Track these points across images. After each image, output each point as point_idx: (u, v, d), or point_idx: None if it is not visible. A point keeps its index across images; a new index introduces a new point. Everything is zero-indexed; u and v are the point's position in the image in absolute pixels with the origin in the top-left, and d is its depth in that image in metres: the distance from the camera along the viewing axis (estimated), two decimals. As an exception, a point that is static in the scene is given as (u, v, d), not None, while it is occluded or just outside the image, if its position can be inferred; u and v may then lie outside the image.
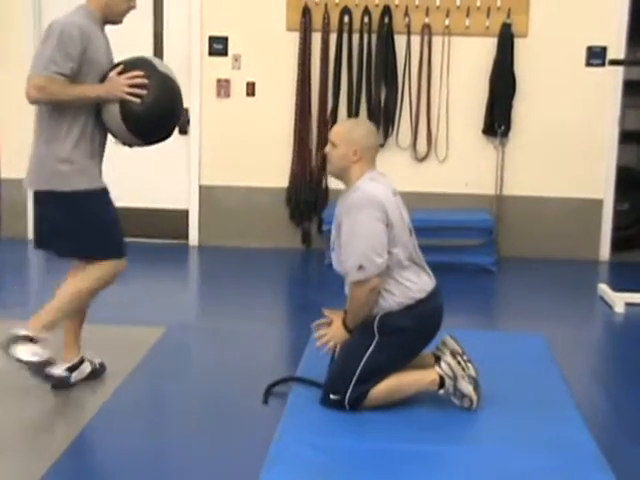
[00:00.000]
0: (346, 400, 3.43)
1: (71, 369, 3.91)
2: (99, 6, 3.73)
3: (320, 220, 6.88)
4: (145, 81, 3.60)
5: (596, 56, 6.74)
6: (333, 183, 6.64)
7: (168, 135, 3.83)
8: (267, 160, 7.04)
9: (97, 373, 4.04)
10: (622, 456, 3.32)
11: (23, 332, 3.67)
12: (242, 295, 5.74)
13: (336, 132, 3.64)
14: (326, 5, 6.77)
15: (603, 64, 6.72)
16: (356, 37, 6.80)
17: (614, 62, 6.51)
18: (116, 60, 3.79)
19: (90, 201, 3.72)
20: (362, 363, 3.44)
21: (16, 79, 7.09)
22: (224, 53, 6.95)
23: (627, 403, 4.00)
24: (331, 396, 3.47)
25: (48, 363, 3.74)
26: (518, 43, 6.74)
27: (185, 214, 7.18)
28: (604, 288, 5.79)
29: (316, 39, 6.84)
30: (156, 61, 3.76)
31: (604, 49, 6.73)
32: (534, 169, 6.92)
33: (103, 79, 3.66)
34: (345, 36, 6.80)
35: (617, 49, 6.71)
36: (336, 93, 6.85)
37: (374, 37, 6.78)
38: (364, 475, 2.99)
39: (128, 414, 3.73)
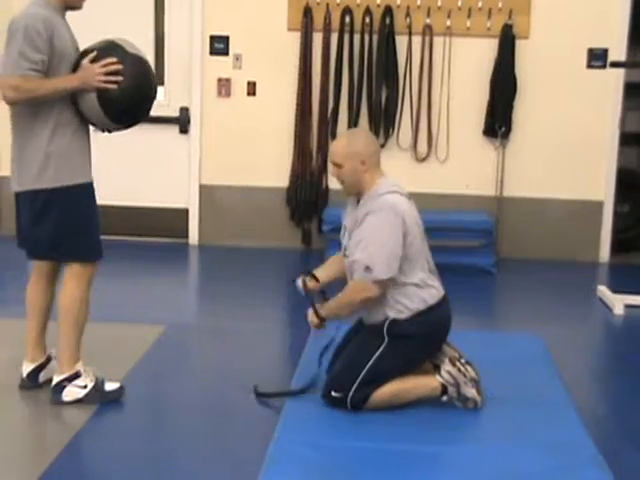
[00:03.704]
0: (348, 400, 3.43)
1: (39, 369, 3.91)
2: None
3: (320, 220, 6.88)
4: (120, 67, 3.55)
5: (597, 58, 6.74)
6: (334, 183, 6.63)
7: (144, 117, 3.79)
8: (267, 160, 7.04)
9: None
10: (620, 457, 3.33)
11: (57, 379, 3.74)
12: (242, 294, 5.74)
13: (337, 153, 3.60)
14: (327, 5, 6.77)
15: (604, 66, 6.72)
16: (357, 37, 6.79)
17: (615, 64, 6.51)
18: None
19: (78, 197, 3.65)
20: (369, 365, 3.44)
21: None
22: (225, 52, 6.95)
23: (626, 405, 4.01)
24: (333, 393, 3.47)
25: (98, 384, 3.77)
26: (519, 44, 6.74)
27: (185, 213, 7.17)
28: (603, 290, 5.79)
29: (317, 39, 6.84)
30: (125, 43, 3.68)
31: (605, 51, 6.73)
32: (534, 170, 6.92)
33: (74, 67, 3.61)
34: (346, 36, 6.80)
35: (618, 51, 6.70)
36: (337, 93, 6.85)
37: (375, 37, 6.77)
38: (363, 475, 2.99)
39: (126, 413, 3.73)
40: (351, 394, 3.43)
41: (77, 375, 3.74)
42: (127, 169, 6.99)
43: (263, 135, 7.02)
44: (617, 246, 7.08)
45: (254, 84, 6.95)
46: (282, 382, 3.90)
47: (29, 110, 3.57)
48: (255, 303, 5.53)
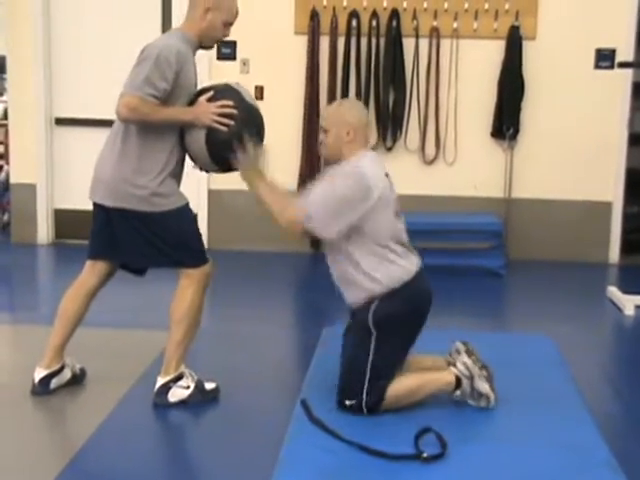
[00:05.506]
0: (363, 403, 3.41)
1: (51, 376, 3.91)
2: (197, 31, 3.75)
3: (329, 223, 6.88)
4: (234, 111, 3.66)
5: (605, 59, 6.73)
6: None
7: None
8: (275, 164, 6.99)
9: (78, 379, 4.04)
10: (633, 458, 3.32)
11: (164, 380, 3.81)
12: (251, 298, 5.75)
13: (325, 116, 3.64)
14: (334, 9, 6.78)
15: (612, 66, 6.71)
16: (364, 40, 6.80)
17: (623, 65, 6.50)
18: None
19: (180, 217, 3.81)
20: (369, 363, 3.42)
21: (26, 84, 7.15)
22: (232, 57, 6.97)
23: (637, 405, 4.00)
24: (347, 402, 3.45)
25: (199, 385, 3.86)
26: (526, 46, 6.74)
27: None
28: (613, 291, 5.78)
29: (324, 43, 6.85)
30: (243, 90, 3.82)
31: (613, 51, 6.72)
32: (543, 172, 6.91)
33: (190, 102, 3.71)
34: (353, 39, 6.81)
35: (626, 51, 6.70)
36: (344, 96, 6.85)
37: (382, 40, 6.78)
38: (375, 477, 2.99)
39: (137, 417, 3.74)
40: (364, 398, 3.42)
41: (181, 376, 3.84)
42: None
43: (271, 139, 6.96)
44: (626, 247, 7.07)
45: (262, 88, 6.97)
46: (293, 387, 3.90)
47: (152, 134, 3.65)
48: (264, 307, 5.53)
